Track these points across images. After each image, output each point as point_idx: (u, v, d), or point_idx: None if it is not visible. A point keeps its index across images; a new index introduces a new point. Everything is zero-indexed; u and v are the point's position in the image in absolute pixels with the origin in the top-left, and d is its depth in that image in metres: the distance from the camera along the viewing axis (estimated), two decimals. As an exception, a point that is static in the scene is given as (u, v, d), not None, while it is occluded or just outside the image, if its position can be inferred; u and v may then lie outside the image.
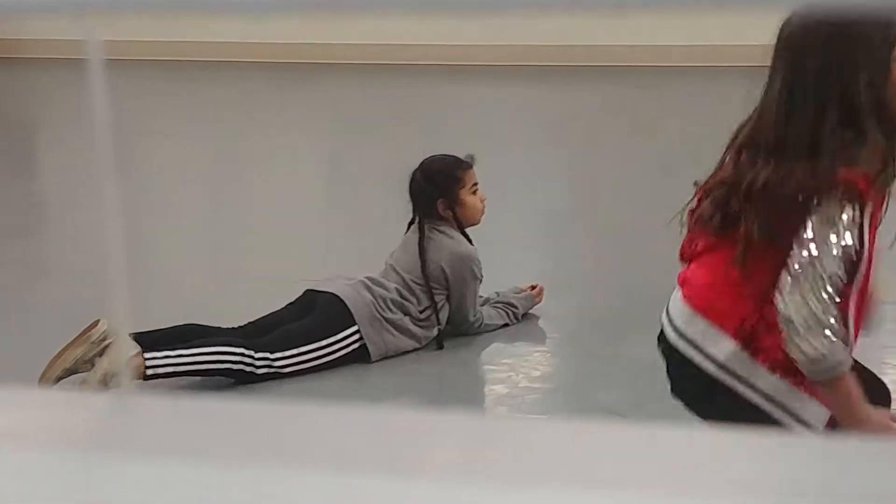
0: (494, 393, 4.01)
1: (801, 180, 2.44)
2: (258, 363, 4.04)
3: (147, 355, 3.90)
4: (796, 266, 2.45)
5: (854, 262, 2.48)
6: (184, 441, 0.72)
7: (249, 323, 4.22)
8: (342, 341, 4.16)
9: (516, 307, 4.47)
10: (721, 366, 2.64)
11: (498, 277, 4.57)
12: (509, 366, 4.16)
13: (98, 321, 4.02)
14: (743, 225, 2.53)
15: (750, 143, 2.53)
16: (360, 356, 4.19)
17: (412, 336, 4.27)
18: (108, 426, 0.75)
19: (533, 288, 4.56)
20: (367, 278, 4.31)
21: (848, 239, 2.44)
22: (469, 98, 8.03)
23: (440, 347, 4.29)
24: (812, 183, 2.44)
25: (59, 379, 3.95)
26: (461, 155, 4.45)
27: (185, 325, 4.14)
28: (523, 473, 0.77)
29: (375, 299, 4.24)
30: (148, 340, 3.97)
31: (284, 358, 4.08)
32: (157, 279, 4.89)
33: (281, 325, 4.18)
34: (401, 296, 4.29)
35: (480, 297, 4.44)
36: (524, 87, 8.28)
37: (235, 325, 4.21)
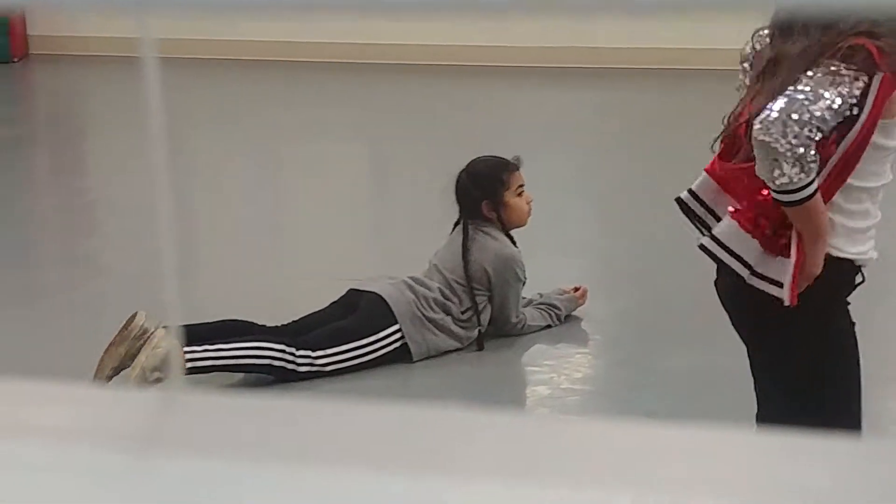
0: (536, 394, 4.01)
1: (810, 45, 2.46)
2: (300, 360, 4.06)
3: (187, 349, 3.92)
4: (785, 97, 2.45)
5: (849, 121, 2.48)
6: (235, 439, 0.73)
7: (293, 321, 4.23)
8: (383, 340, 4.17)
9: (559, 309, 4.46)
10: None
11: (542, 279, 4.57)
12: (551, 367, 4.16)
13: (135, 314, 4.05)
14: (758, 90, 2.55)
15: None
16: (401, 355, 4.20)
17: (453, 336, 4.27)
18: (158, 423, 0.76)
19: (576, 290, 4.55)
20: (410, 278, 4.32)
21: (846, 91, 2.44)
22: (517, 99, 8.02)
23: (481, 348, 4.30)
24: (819, 47, 2.45)
25: (109, 378, 3.99)
26: (508, 156, 4.45)
27: (227, 320, 4.16)
28: (565, 473, 0.78)
29: (418, 298, 4.25)
30: (189, 334, 3.99)
31: (326, 356, 4.09)
32: (202, 275, 4.91)
33: (324, 323, 4.19)
34: (443, 295, 4.30)
35: (523, 298, 4.44)
36: (575, 89, 8.26)
37: (279, 323, 4.23)
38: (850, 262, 2.65)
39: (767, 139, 2.43)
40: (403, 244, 5.26)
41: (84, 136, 8.08)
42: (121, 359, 3.99)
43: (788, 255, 2.59)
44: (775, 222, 2.60)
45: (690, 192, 2.77)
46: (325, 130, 7.45)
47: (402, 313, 4.20)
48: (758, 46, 2.62)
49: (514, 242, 4.42)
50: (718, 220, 2.74)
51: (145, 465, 0.72)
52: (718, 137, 2.74)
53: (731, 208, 2.68)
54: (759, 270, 2.65)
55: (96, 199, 6.48)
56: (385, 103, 8.01)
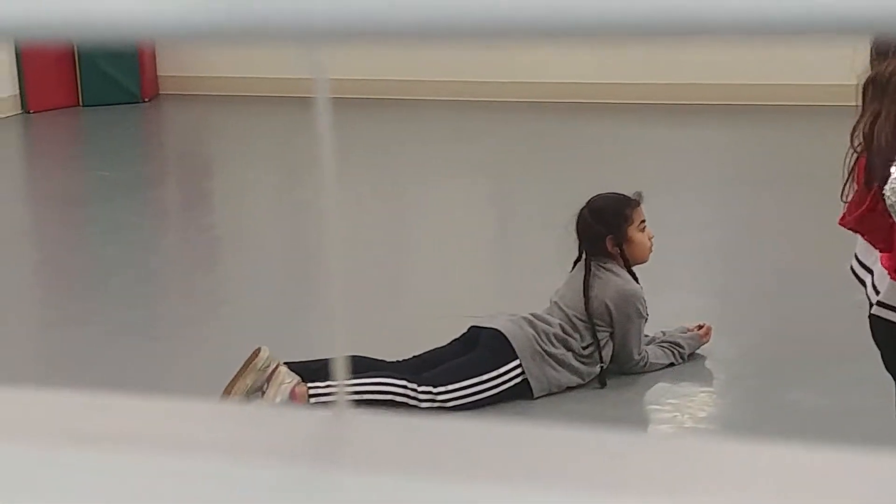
0: (659, 433, 3.96)
1: None
2: (421, 397, 4.06)
3: (310, 385, 3.95)
4: None
5: None
6: (406, 458, 0.72)
7: (414, 357, 4.24)
8: (504, 375, 4.15)
9: (682, 347, 4.41)
10: None
11: (665, 316, 4.52)
12: (674, 406, 4.11)
13: (259, 349, 4.10)
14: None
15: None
16: (522, 391, 4.18)
17: (574, 371, 4.24)
18: (327, 442, 0.76)
19: (700, 328, 4.50)
20: (531, 314, 4.31)
21: None
22: (644, 137, 7.99)
23: (603, 385, 4.26)
24: None
25: None
26: (629, 193, 4.42)
27: (348, 356, 4.17)
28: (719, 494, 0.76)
29: (538, 334, 4.23)
30: (308, 371, 4.01)
31: (447, 392, 4.09)
32: (326, 310, 4.94)
33: (445, 359, 4.19)
34: (564, 331, 4.27)
35: (646, 336, 4.40)
36: (694, 126, 8.20)
37: (400, 359, 4.23)
38: None
39: None
40: (527, 281, 5.24)
41: (210, 174, 8.22)
42: (247, 391, 4.04)
43: None
44: None
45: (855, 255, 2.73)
46: (449, 167, 7.48)
47: (522, 348, 4.19)
48: None
49: (636, 279, 4.38)
50: (869, 271, 2.68)
51: (324, 480, 0.73)
52: (845, 185, 2.68)
53: (888, 270, 2.62)
54: None
55: (221, 234, 6.57)
56: (509, 141, 8.02)
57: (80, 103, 9.34)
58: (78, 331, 4.95)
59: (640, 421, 4.18)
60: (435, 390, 4.08)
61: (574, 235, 4.41)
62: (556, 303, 4.38)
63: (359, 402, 4.02)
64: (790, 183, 6.71)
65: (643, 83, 8.60)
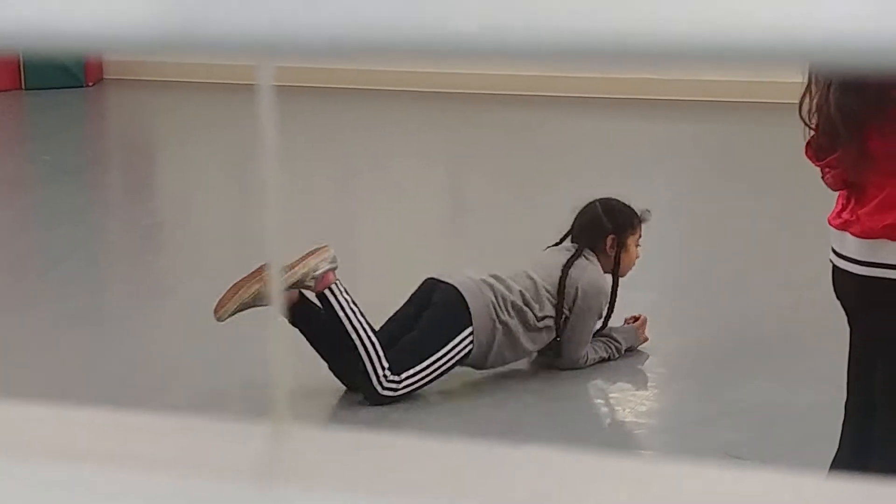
0: (601, 427, 3.98)
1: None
2: (385, 383, 4.06)
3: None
4: None
5: None
6: (345, 475, 0.72)
7: (387, 322, 4.23)
8: (458, 346, 4.14)
9: (618, 342, 4.42)
10: None
11: (615, 311, 4.52)
12: (616, 400, 4.13)
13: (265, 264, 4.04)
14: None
15: None
16: (471, 357, 4.19)
17: (520, 348, 4.25)
18: (267, 457, 0.75)
19: (635, 319, 4.51)
20: (493, 275, 4.28)
21: None
22: (595, 130, 8.00)
23: (558, 356, 4.29)
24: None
25: (235, 312, 4.00)
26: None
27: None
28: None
29: (496, 298, 4.20)
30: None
31: (407, 378, 4.08)
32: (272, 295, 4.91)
33: (401, 332, 4.16)
34: (523, 300, 4.25)
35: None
36: (654, 121, 8.22)
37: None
38: None
39: None
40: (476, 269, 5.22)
41: (154, 159, 8.16)
42: (253, 296, 4.00)
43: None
44: None
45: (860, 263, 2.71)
46: (404, 157, 7.45)
47: (477, 315, 4.16)
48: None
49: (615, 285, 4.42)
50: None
51: (262, 498, 0.71)
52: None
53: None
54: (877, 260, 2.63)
55: (164, 220, 6.53)
56: (466, 132, 8.00)
57: (23, 87, 9.24)
58: (22, 317, 4.91)
59: (581, 415, 4.19)
60: (398, 379, 4.07)
61: (563, 220, 4.46)
62: (525, 271, 4.34)
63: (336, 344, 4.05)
64: (746, 179, 6.73)
65: (606, 77, 8.52)
